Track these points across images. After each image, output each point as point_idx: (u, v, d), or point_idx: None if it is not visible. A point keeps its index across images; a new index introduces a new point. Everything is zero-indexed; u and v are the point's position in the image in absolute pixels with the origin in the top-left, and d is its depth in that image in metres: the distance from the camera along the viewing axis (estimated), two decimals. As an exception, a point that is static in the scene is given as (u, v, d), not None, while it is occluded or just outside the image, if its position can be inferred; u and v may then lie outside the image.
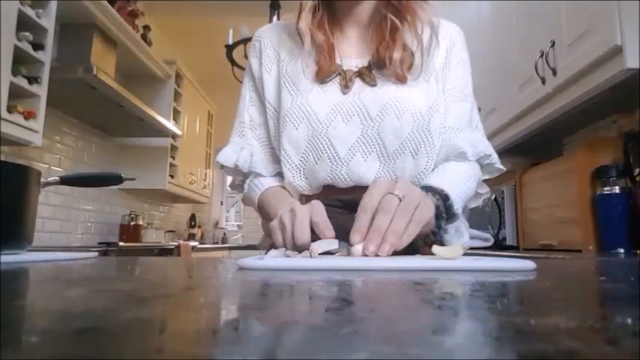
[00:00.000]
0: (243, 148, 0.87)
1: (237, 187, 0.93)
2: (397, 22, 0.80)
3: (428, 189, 0.70)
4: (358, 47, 0.85)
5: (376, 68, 0.81)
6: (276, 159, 0.87)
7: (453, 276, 0.40)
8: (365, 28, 0.86)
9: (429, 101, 0.79)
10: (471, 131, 0.85)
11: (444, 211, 0.70)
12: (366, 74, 0.81)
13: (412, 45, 0.81)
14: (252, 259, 0.48)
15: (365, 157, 0.77)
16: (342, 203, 0.79)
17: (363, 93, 0.79)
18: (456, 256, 0.51)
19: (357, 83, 0.81)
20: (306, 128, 0.79)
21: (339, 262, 0.49)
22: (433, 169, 0.79)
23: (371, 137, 0.77)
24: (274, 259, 0.51)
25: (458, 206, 0.72)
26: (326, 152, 0.78)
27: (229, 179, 0.96)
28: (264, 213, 0.82)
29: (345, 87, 0.80)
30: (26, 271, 0.48)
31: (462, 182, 0.76)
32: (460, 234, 0.80)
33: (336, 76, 0.81)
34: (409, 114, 0.77)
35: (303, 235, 0.60)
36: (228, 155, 0.86)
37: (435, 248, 0.52)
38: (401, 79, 0.79)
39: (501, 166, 0.85)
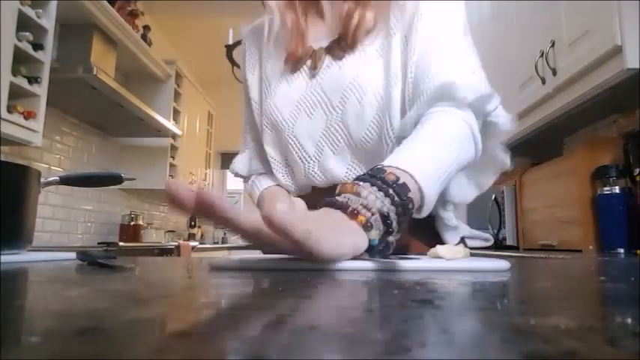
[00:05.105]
0: (243, 152, 0.90)
1: None
2: None
3: (377, 177, 0.48)
4: (333, 25, 0.80)
5: (343, 38, 0.75)
6: None
7: (444, 276, 0.40)
8: (341, 5, 0.78)
9: (390, 73, 0.69)
10: (465, 75, 0.67)
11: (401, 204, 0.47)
12: (334, 48, 0.76)
13: (379, 4, 0.74)
14: (225, 259, 0.49)
15: (334, 151, 0.74)
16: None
17: (327, 76, 0.75)
18: (459, 256, 0.51)
19: (326, 61, 0.76)
20: (276, 130, 0.78)
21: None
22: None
23: (336, 128, 0.73)
24: (243, 257, 0.52)
25: (430, 191, 0.52)
26: (296, 152, 0.76)
27: (230, 180, 0.97)
28: None
29: (314, 68, 0.76)
30: (26, 271, 0.48)
31: (436, 152, 0.57)
32: (455, 230, 0.75)
33: (307, 59, 0.78)
34: (371, 95, 0.70)
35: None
36: (234, 162, 0.90)
37: (439, 248, 0.52)
38: (352, 46, 0.73)
39: (509, 127, 0.67)
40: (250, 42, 0.89)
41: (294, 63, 0.78)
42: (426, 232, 0.76)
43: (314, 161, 0.75)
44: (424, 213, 0.54)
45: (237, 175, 0.90)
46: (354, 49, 0.74)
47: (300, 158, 0.76)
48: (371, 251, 0.45)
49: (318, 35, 0.80)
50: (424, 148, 0.57)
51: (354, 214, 0.44)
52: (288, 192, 0.82)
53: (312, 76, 0.76)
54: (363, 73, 0.72)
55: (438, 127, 0.61)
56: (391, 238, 0.47)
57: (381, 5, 0.75)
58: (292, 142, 0.76)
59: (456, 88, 0.61)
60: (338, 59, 0.75)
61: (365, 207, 0.44)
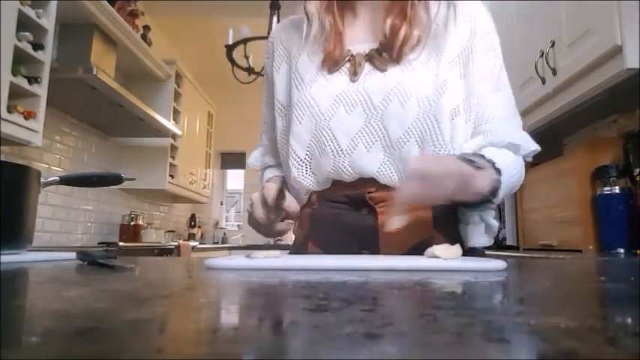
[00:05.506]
0: (257, 148, 0.98)
1: None
2: None
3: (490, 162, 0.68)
4: (370, 29, 0.82)
5: (386, 50, 0.77)
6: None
7: (443, 276, 0.40)
8: (378, 7, 0.81)
9: (437, 84, 0.74)
10: (518, 126, 0.81)
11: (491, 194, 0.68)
12: (375, 57, 0.77)
13: (423, 22, 0.77)
14: (220, 259, 0.50)
15: (368, 148, 0.75)
16: (349, 199, 0.78)
17: (370, 80, 0.76)
18: (455, 256, 0.51)
19: (367, 68, 0.78)
20: (309, 121, 0.78)
21: (329, 262, 0.49)
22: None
23: (374, 126, 0.75)
24: (241, 258, 0.52)
25: (502, 194, 0.69)
26: (329, 145, 0.77)
27: (229, 179, 1.00)
28: None
29: (354, 74, 0.77)
30: (26, 271, 0.48)
31: (513, 172, 0.73)
32: (479, 225, 0.78)
33: (345, 62, 0.79)
34: (414, 99, 0.73)
35: (269, 196, 0.72)
36: (250, 156, 0.99)
37: (435, 249, 0.52)
38: (397, 60, 0.76)
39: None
40: (279, 40, 0.90)
41: (331, 64, 0.79)
42: (449, 230, 0.77)
43: (345, 156, 0.76)
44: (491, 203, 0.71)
45: (252, 166, 1.00)
46: (399, 62, 0.76)
47: (332, 151, 0.77)
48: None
49: (355, 38, 0.81)
50: (509, 166, 0.72)
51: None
52: (301, 188, 0.84)
53: (354, 78, 0.78)
54: (408, 80, 0.74)
55: (510, 159, 0.75)
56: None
57: (424, 22, 0.77)
58: (326, 135, 0.77)
59: (521, 148, 0.78)
60: (380, 71, 0.77)
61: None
